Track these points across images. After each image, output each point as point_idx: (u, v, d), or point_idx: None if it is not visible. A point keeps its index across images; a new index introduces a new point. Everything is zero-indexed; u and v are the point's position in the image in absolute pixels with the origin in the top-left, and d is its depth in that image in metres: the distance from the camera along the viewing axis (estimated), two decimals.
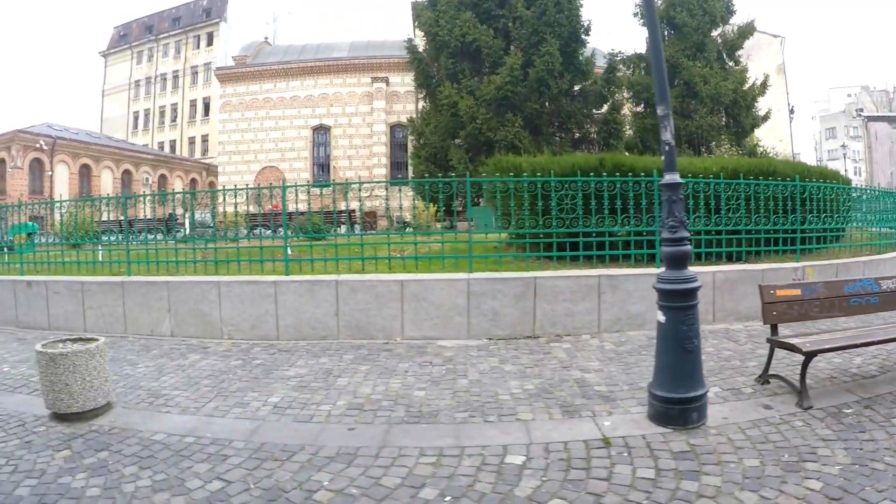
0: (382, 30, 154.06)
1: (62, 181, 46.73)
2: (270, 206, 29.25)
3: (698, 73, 26.19)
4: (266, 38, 52.53)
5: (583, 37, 25.14)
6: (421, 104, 39.78)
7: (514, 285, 7.47)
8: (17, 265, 10.14)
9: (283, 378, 6.00)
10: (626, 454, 3.99)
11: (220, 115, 44.78)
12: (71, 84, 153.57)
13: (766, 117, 30.09)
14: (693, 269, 7.62)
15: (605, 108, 25.91)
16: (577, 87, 25.19)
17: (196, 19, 62.56)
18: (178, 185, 55.11)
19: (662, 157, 4.66)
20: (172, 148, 61.07)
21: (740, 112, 28.10)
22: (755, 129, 30.11)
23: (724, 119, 28.02)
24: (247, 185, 40.91)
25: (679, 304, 4.52)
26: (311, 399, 5.34)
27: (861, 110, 69.54)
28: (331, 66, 42.95)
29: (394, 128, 42.57)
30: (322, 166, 42.83)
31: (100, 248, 10.84)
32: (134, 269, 8.98)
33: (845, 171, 41.05)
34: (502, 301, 7.42)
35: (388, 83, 41.96)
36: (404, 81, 42.72)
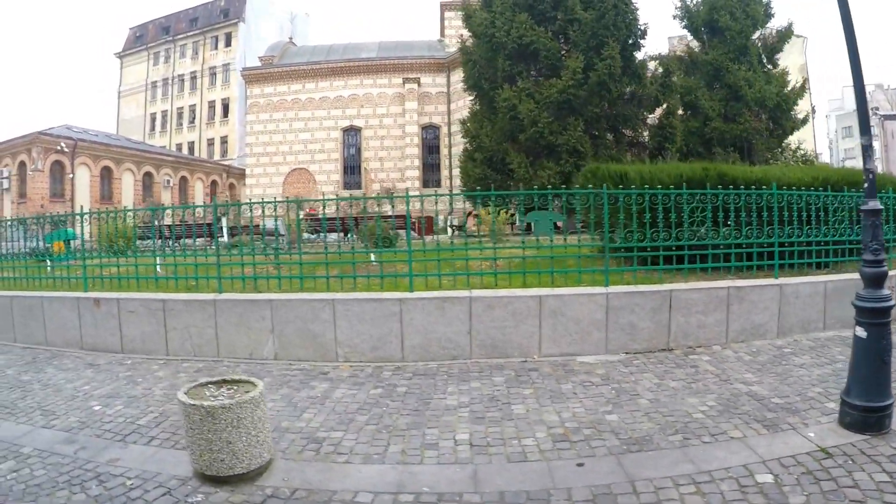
0: (406, 30, 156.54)
1: (83, 184, 46.77)
2: (308, 210, 29.05)
3: (743, 76, 26.53)
4: (290, 38, 52.45)
5: (639, 41, 25.08)
6: (454, 105, 39.93)
7: (652, 298, 7.57)
8: (72, 279, 9.58)
9: (448, 408, 5.61)
10: (850, 462, 4.28)
11: (247, 117, 45.03)
12: (85, 85, 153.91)
13: (804, 120, 30.36)
14: (800, 279, 8.17)
15: (658, 112, 25.83)
16: (628, 90, 25.09)
17: (214, 20, 62.63)
18: (198, 187, 55.21)
19: (865, 185, 5.00)
20: (191, 149, 61.16)
21: (782, 115, 28.35)
22: (794, 132, 30.25)
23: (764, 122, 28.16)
24: (274, 191, 40.94)
25: (879, 321, 4.90)
26: (503, 432, 5.01)
27: (877, 109, 69.56)
28: (361, 66, 43.35)
29: (425, 129, 42.42)
30: (353, 168, 42.76)
31: (158, 260, 9.73)
32: (207, 286, 8.49)
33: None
34: (639, 314, 7.49)
35: (419, 84, 41.79)
36: (435, 82, 42.97)
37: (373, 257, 9.15)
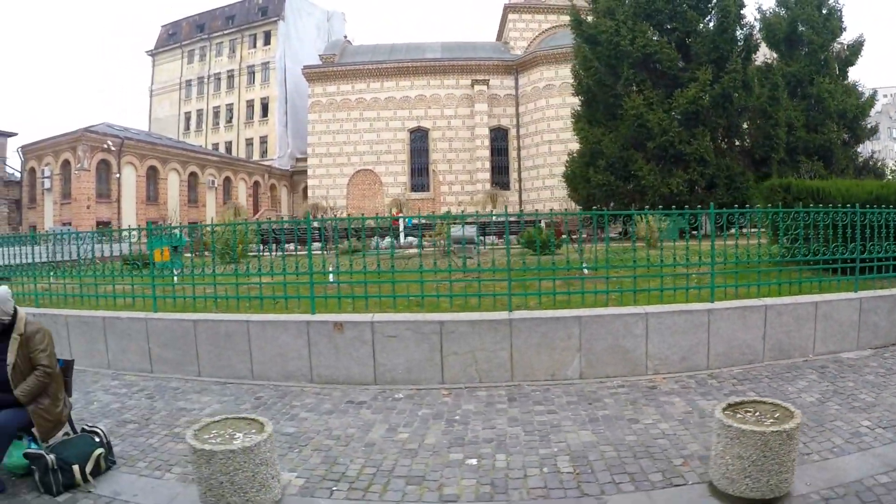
0: (435, 31, 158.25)
1: (129, 184, 46.76)
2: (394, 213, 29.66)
3: (825, 88, 27.94)
4: (346, 36, 53.22)
5: (751, 54, 26.46)
6: (524, 108, 40.84)
7: (888, 301, 8.65)
8: (268, 298, 8.38)
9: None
10: None
11: (309, 116, 46.24)
12: (111, 84, 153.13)
13: (874, 130, 31.93)
14: None
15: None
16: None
17: (252, 18, 63.34)
18: (241, 187, 55.76)
19: None
20: (228, 149, 61.79)
21: (857, 126, 29.87)
22: (864, 141, 31.89)
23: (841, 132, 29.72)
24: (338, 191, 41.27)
25: None
26: None
27: None
28: (427, 66, 44.56)
29: (494, 131, 43.38)
30: (420, 170, 43.59)
31: (331, 276, 8.85)
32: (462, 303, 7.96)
33: None
34: (879, 315, 8.55)
35: (488, 86, 42.76)
36: (503, 84, 43.98)
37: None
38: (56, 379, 4.99)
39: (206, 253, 13.36)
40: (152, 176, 48.73)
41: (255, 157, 61.16)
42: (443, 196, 44.06)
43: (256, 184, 57.84)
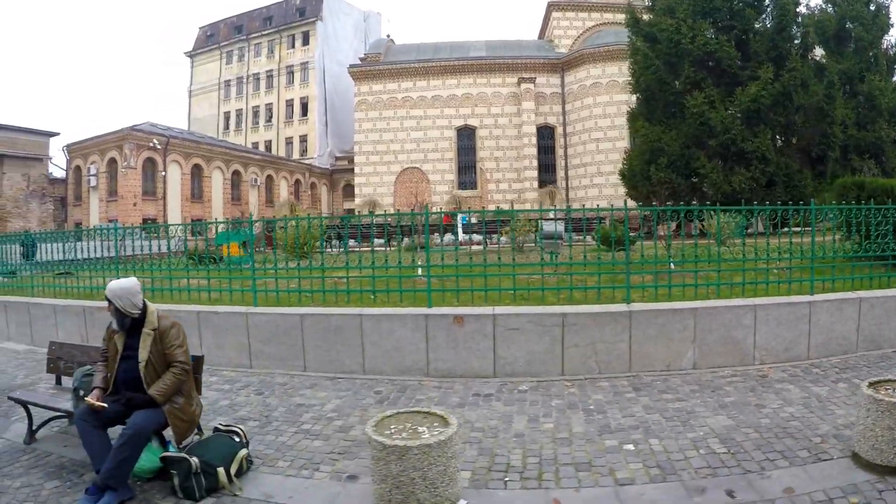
0: (469, 29, 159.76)
1: (174, 181, 47.91)
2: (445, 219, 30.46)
3: (876, 86, 28.02)
4: (388, 35, 54.23)
5: (808, 52, 26.96)
6: (570, 106, 41.53)
7: None
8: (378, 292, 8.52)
9: None
10: None
11: (356, 115, 47.17)
12: (151, 85, 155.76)
13: None
14: None
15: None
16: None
17: (290, 18, 64.59)
18: (283, 186, 56.89)
19: None
20: (268, 148, 63.08)
21: None
22: None
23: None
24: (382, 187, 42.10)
25: None
26: None
27: None
28: (474, 65, 45.37)
29: (540, 129, 44.12)
30: (467, 168, 44.39)
31: (419, 270, 9.01)
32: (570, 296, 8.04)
33: None
34: None
35: (535, 84, 43.51)
36: (549, 83, 44.64)
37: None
38: (190, 376, 4.85)
39: (269, 249, 13.72)
40: (197, 174, 49.69)
41: (295, 155, 62.35)
42: (490, 194, 44.71)
43: (297, 182, 58.98)
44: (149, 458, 4.51)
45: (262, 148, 62.86)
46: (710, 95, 25.25)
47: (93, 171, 45.48)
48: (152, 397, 4.43)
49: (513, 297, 8.10)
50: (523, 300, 8.12)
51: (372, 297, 8.44)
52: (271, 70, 64.88)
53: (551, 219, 18.95)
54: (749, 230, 12.61)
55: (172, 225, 12.19)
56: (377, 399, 6.60)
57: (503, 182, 44.24)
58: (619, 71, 42.78)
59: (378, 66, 46.45)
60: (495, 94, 44.79)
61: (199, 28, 71.69)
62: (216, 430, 4.97)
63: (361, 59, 53.71)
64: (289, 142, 63.71)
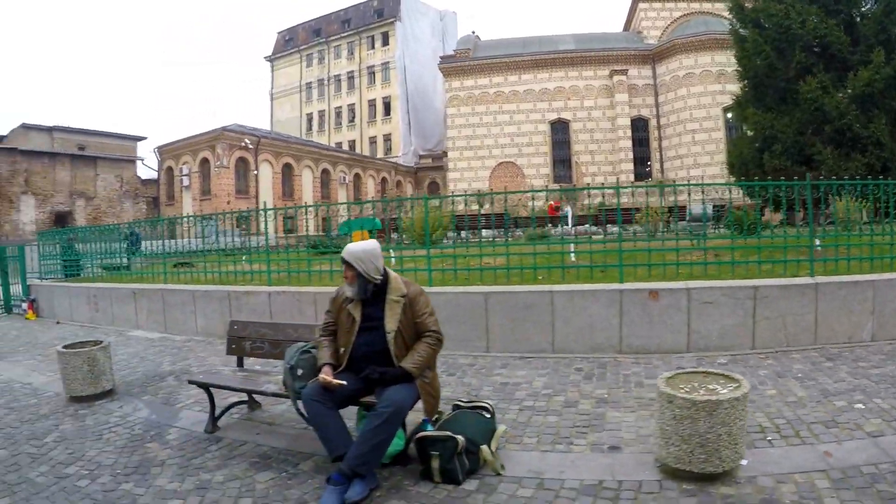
0: (544, 25, 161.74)
1: (266, 180, 50.31)
2: (552, 204, 31.59)
3: None
4: (473, 31, 55.88)
5: None
6: (663, 98, 42.31)
7: None
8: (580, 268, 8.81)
9: None
10: None
11: (448, 111, 48.82)
12: (230, 90, 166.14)
13: None
14: None
15: None
16: None
17: (368, 20, 66.88)
18: (370, 184, 59.03)
19: None
20: (351, 147, 65.38)
21: None
22: None
23: None
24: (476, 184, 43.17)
25: None
26: None
27: None
28: (565, 58, 46.30)
29: (634, 121, 44.97)
30: (562, 162, 45.51)
31: (572, 256, 9.45)
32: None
33: None
34: None
35: (626, 76, 44.42)
36: (641, 74, 45.39)
37: None
38: None
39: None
40: (287, 172, 52.02)
41: (379, 154, 64.55)
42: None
43: (384, 180, 61.08)
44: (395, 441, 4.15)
45: (345, 147, 65.20)
46: (823, 81, 25.85)
47: (185, 172, 48.08)
48: (406, 371, 4.08)
49: (731, 271, 8.10)
50: (708, 276, 8.03)
51: (561, 273, 8.60)
52: (352, 71, 67.30)
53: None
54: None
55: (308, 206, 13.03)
56: (583, 376, 6.52)
57: (599, 175, 44.91)
58: (712, 61, 43.35)
59: (469, 61, 47.78)
60: (587, 87, 45.71)
61: (278, 33, 74.93)
62: (456, 406, 4.70)
63: (443, 58, 55.01)
64: (372, 141, 66.00)
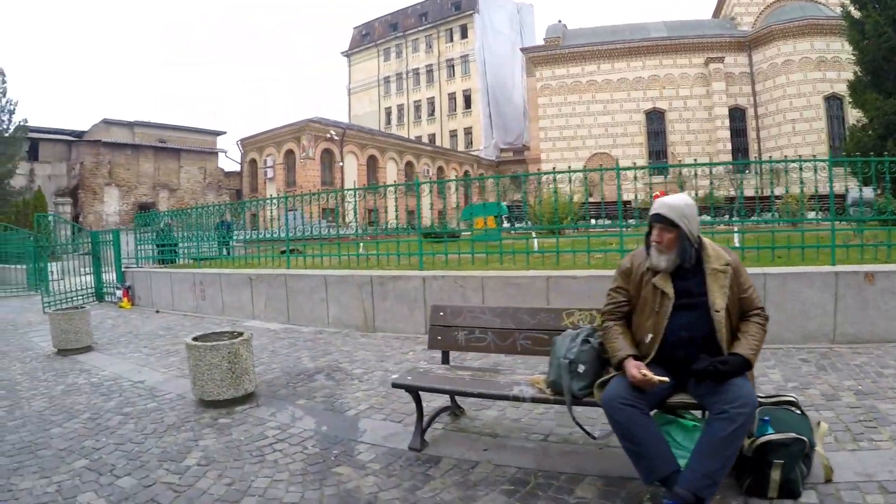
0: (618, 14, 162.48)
1: (351, 171, 51.51)
2: (658, 194, 32.27)
3: None
4: (560, 20, 56.68)
5: None
6: (761, 86, 42.59)
7: None
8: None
9: None
10: None
11: (539, 100, 49.59)
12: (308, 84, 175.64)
13: None
14: None
15: None
16: None
17: (446, 13, 68.30)
18: (452, 176, 60.24)
19: None
20: (431, 141, 66.82)
21: None
22: None
23: None
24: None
25: None
26: None
27: None
28: (656, 46, 46.69)
29: (731, 111, 45.12)
30: (658, 153, 45.98)
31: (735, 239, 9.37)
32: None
33: None
34: None
35: (723, 63, 44.64)
36: (736, 62, 45.51)
37: None
38: None
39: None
40: (371, 164, 53.72)
41: (460, 147, 66.00)
42: (684, 179, 44.89)
43: (466, 173, 62.32)
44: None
45: (425, 141, 66.73)
46: None
47: (269, 163, 49.63)
48: (746, 360, 3.22)
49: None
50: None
51: (771, 254, 8.17)
52: (431, 65, 68.85)
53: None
54: None
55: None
56: (815, 367, 5.89)
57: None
58: (812, 47, 43.17)
59: (560, 49, 48.40)
60: (682, 76, 46.01)
61: (354, 28, 77.01)
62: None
63: (528, 48, 56.00)
64: (452, 134, 67.50)
